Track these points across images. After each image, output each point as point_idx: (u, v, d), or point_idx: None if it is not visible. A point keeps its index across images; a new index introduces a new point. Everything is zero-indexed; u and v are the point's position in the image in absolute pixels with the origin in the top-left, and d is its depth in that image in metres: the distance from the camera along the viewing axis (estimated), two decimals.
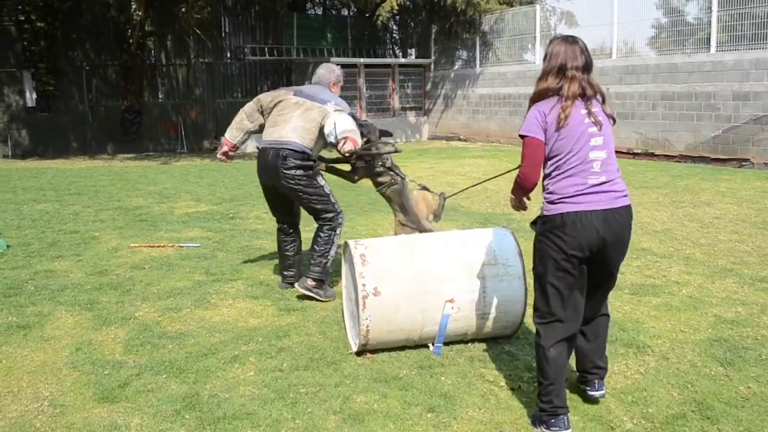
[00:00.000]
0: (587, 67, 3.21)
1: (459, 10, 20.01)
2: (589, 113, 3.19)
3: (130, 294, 5.48)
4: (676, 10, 17.55)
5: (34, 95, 19.02)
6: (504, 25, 20.76)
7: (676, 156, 15.03)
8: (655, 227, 7.75)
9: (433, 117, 22.77)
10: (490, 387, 3.71)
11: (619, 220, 3.19)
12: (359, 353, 4.13)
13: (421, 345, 4.20)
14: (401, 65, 22.51)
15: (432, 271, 4.03)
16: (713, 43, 14.95)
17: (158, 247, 7.08)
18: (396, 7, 19.83)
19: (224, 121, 21.56)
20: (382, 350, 4.15)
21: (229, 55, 22.16)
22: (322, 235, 5.25)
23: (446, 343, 4.18)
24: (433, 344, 4.14)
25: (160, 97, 21.16)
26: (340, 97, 5.39)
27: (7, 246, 7.06)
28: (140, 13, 18.38)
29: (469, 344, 4.28)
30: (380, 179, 5.48)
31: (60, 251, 6.96)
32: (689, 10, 17.69)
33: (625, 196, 3.25)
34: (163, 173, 13.95)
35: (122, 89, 19.68)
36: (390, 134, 5.77)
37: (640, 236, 7.41)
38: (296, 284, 5.29)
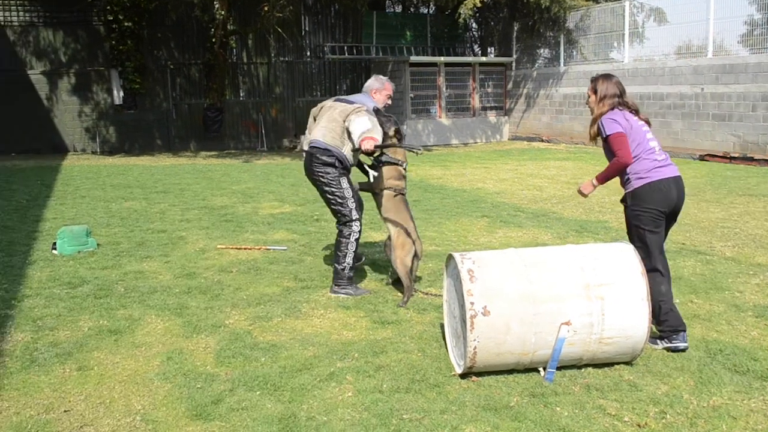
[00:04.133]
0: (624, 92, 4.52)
1: (543, 7, 19.39)
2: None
3: (219, 299, 5.35)
4: None
5: (122, 93, 19.51)
6: (590, 22, 20.03)
7: None
8: None
9: (514, 117, 22.20)
10: (613, 422, 3.34)
11: (682, 184, 4.43)
12: (463, 375, 3.83)
13: (530, 369, 3.87)
14: (482, 64, 22.00)
15: (546, 289, 3.69)
16: None
17: (245, 249, 6.98)
18: (478, 4, 19.35)
19: (303, 120, 21.62)
20: (489, 373, 3.84)
21: (309, 53, 22.20)
22: (340, 243, 5.50)
23: (558, 368, 3.82)
24: (544, 369, 3.79)
25: (241, 95, 21.39)
26: (384, 105, 5.61)
27: (98, 244, 7.09)
28: (223, 13, 18.58)
29: (583, 370, 3.92)
30: (396, 183, 5.49)
31: (148, 251, 6.94)
32: None
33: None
34: (246, 172, 14.01)
35: (205, 87, 19.99)
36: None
37: (753, 250, 6.84)
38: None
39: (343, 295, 5.37)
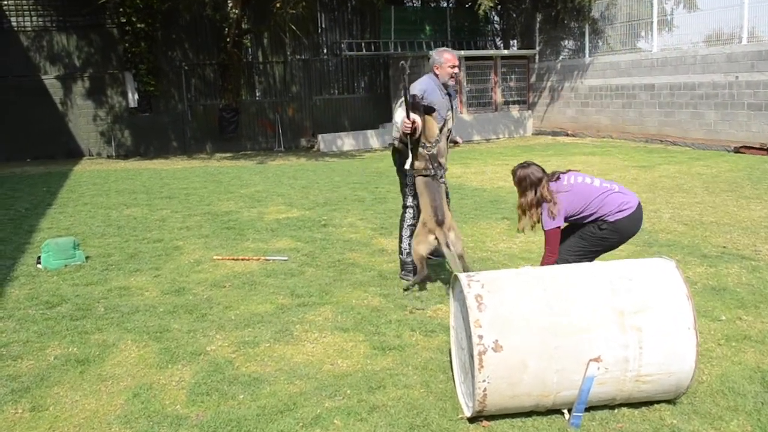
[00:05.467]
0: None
1: None
2: None
3: (204, 320, 4.81)
4: None
5: (136, 96, 19.18)
6: (616, 10, 19.22)
7: None
8: None
9: (538, 111, 21.44)
10: None
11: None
12: (473, 419, 3.23)
13: (552, 410, 3.26)
14: (504, 57, 21.28)
15: (571, 318, 3.07)
16: None
17: (243, 260, 6.44)
18: None
19: (321, 118, 21.29)
20: (503, 416, 3.24)
21: (325, 51, 21.66)
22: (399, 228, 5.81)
23: (586, 409, 3.21)
24: (569, 412, 3.18)
25: (257, 95, 20.93)
26: (450, 77, 5.59)
27: (87, 258, 6.61)
28: (236, 11, 18.12)
29: (617, 411, 3.29)
30: (418, 165, 5.34)
31: (139, 264, 6.43)
32: None
33: None
34: (257, 174, 13.51)
35: (220, 88, 19.57)
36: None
37: None
38: None
39: (404, 282, 5.58)
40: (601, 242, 4.54)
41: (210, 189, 11.33)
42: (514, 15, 22.98)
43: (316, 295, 5.30)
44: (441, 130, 5.45)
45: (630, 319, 3.07)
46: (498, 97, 21.03)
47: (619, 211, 4.46)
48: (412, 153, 5.27)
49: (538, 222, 4.56)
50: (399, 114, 5.28)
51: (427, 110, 5.29)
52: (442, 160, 5.37)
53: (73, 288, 5.69)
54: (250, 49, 20.55)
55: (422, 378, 3.74)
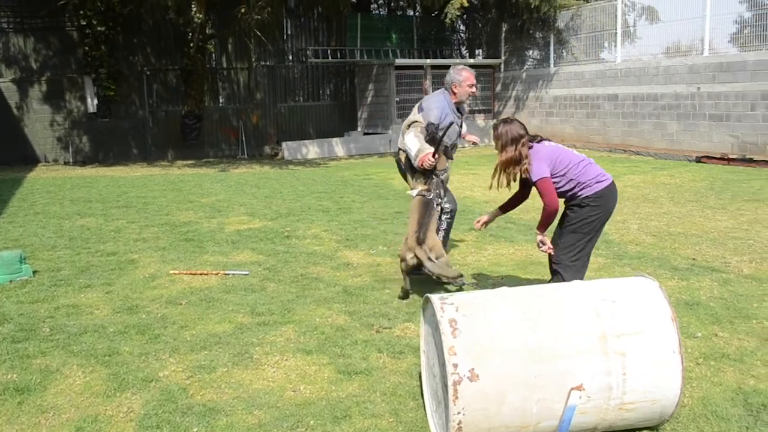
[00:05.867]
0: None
1: (532, 6, 18.70)
2: None
3: (158, 341, 4.50)
4: (761, 4, 15.81)
5: (96, 101, 18.64)
6: (581, 21, 19.36)
7: None
8: None
9: None
10: None
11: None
12: None
13: None
14: (469, 66, 21.24)
15: (554, 343, 2.86)
16: None
17: (201, 274, 6.13)
18: (465, 4, 18.59)
19: (285, 126, 20.95)
20: None
21: (291, 57, 21.36)
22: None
23: None
24: None
25: (220, 101, 20.52)
26: (468, 96, 5.67)
27: (34, 272, 6.23)
28: (200, 16, 17.74)
29: None
30: (420, 187, 5.40)
31: (90, 279, 6.08)
32: None
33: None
34: (219, 182, 13.15)
35: (183, 94, 19.13)
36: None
37: None
38: None
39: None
40: (589, 224, 4.53)
41: (169, 198, 10.96)
42: (480, 24, 23.03)
43: (277, 313, 5.02)
44: (451, 155, 5.66)
45: (613, 343, 2.88)
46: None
47: (598, 182, 4.51)
48: (421, 176, 5.35)
49: (515, 180, 4.57)
50: (412, 140, 5.28)
51: (446, 153, 5.48)
52: (440, 191, 5.36)
53: (17, 306, 5.32)
54: (214, 55, 20.15)
55: (391, 406, 3.50)
